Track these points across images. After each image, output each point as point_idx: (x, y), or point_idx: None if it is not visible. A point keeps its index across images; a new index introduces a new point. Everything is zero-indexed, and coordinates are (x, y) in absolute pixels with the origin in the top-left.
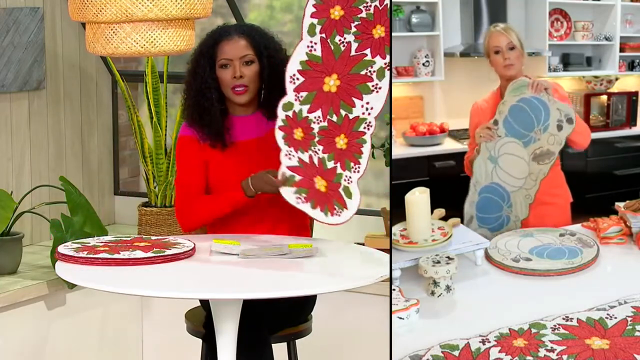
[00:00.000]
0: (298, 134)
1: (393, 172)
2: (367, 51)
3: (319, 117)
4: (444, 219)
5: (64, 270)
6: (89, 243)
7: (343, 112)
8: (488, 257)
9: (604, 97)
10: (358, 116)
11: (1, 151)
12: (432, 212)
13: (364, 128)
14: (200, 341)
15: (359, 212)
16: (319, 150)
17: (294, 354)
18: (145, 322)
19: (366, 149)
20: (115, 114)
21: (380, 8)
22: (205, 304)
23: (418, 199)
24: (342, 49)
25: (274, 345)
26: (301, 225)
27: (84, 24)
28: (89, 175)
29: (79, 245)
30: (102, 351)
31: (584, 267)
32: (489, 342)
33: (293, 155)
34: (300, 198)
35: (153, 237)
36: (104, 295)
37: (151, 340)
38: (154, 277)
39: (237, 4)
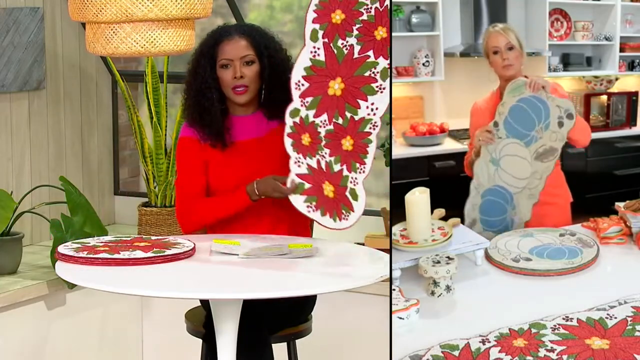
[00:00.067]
0: (306, 139)
1: (393, 172)
2: (370, 53)
3: (325, 121)
4: (444, 219)
5: (64, 270)
6: (89, 243)
7: (348, 114)
8: (488, 257)
9: (604, 97)
10: (363, 117)
11: (1, 151)
12: (432, 212)
13: (370, 128)
14: (200, 341)
15: None
16: (325, 154)
17: (294, 354)
18: (145, 322)
19: (372, 149)
20: (115, 114)
21: (381, 10)
22: (205, 304)
23: (418, 199)
24: (345, 52)
25: (274, 345)
26: (301, 225)
27: (84, 24)
28: (89, 175)
29: (79, 245)
30: (102, 351)
31: (584, 267)
32: (489, 342)
33: (302, 163)
34: (310, 207)
35: (153, 237)
36: (104, 295)
37: (151, 340)
38: (154, 277)
39: (237, 4)
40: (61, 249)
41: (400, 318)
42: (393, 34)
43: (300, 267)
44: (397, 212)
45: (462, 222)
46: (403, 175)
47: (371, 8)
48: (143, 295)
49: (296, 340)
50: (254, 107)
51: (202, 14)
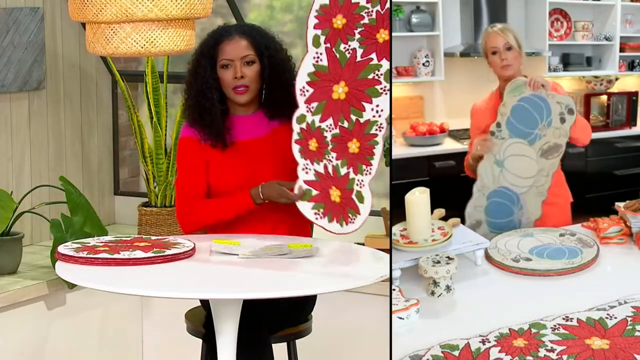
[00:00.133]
0: (313, 144)
1: (393, 172)
2: (373, 55)
3: (330, 125)
4: (444, 219)
5: (64, 270)
6: (89, 243)
7: (354, 117)
8: (488, 257)
9: (604, 97)
10: (369, 119)
11: (1, 151)
12: (432, 212)
13: (376, 130)
14: (200, 341)
15: None
16: (332, 157)
17: (294, 354)
18: (145, 322)
19: (378, 150)
20: (115, 114)
21: (382, 12)
22: (205, 304)
23: (418, 199)
24: (348, 56)
25: (274, 345)
26: (301, 225)
27: (84, 24)
28: (89, 175)
29: (79, 245)
30: (102, 351)
31: (584, 267)
32: (489, 342)
33: (309, 169)
34: (318, 214)
35: (153, 237)
36: (104, 295)
37: (151, 340)
38: (154, 277)
39: (237, 4)
40: (61, 249)
41: (400, 318)
42: (393, 34)
43: (300, 267)
44: (397, 212)
45: (463, 222)
46: (403, 175)
47: (372, 11)
48: (143, 295)
49: (296, 340)
50: (255, 107)
51: (202, 14)
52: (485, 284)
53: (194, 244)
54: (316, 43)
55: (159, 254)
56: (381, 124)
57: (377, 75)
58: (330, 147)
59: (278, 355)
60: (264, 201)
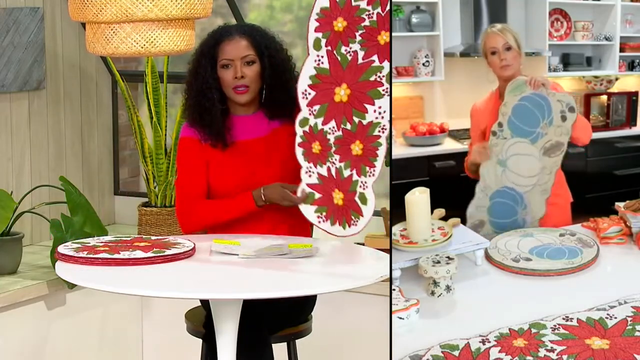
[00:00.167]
0: (316, 147)
1: (393, 172)
2: (375, 57)
3: (333, 127)
4: (444, 219)
5: (64, 270)
6: (89, 243)
7: (356, 119)
8: (488, 257)
9: (604, 97)
10: (372, 121)
11: (1, 151)
12: (432, 212)
13: (379, 132)
14: (200, 341)
15: None
16: (335, 160)
17: (294, 354)
18: (145, 322)
19: (381, 152)
20: (115, 114)
21: (383, 14)
22: (205, 304)
23: (418, 199)
24: (349, 58)
25: (274, 345)
26: (301, 225)
27: (84, 24)
28: (89, 175)
29: (79, 245)
30: (102, 351)
31: (584, 267)
32: (489, 342)
33: (313, 172)
34: (321, 217)
35: (153, 237)
36: (104, 295)
37: (151, 340)
38: (154, 277)
39: (237, 4)
40: (61, 249)
41: (400, 318)
42: (393, 34)
43: (300, 267)
44: (397, 212)
45: (463, 222)
46: (403, 175)
47: (373, 14)
48: (143, 295)
49: (296, 340)
50: (255, 107)
51: (202, 14)
52: (485, 284)
53: (194, 244)
54: (317, 46)
55: (159, 254)
56: (384, 125)
57: (378, 77)
58: (333, 149)
59: (278, 355)
60: (266, 203)
